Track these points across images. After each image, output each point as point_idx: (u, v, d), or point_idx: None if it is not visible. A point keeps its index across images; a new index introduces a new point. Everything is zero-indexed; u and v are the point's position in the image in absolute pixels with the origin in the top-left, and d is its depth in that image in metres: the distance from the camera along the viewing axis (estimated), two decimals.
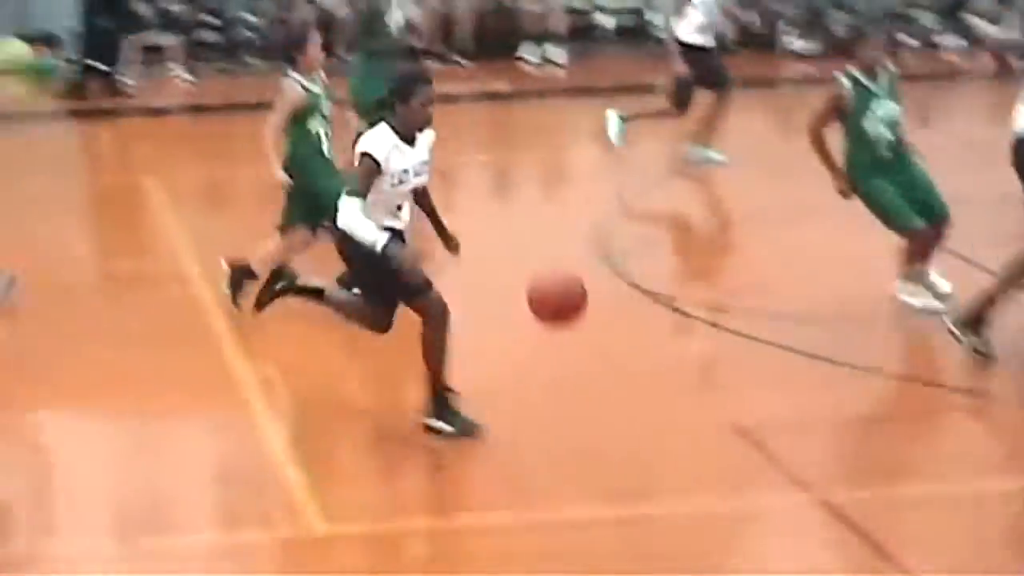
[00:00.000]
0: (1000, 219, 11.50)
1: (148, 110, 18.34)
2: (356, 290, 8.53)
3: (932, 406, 8.96)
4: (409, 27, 14.88)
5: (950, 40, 21.08)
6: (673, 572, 6.64)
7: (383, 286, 8.00)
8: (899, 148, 9.99)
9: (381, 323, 8.25)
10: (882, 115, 9.91)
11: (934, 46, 20.99)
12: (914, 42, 20.70)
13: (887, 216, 9.97)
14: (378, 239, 7.77)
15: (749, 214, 13.06)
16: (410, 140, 7.94)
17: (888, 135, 9.93)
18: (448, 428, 8.09)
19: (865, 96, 9.91)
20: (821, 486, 7.58)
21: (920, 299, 10.06)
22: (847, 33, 16.71)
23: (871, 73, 9.93)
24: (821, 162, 10.09)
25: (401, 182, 7.93)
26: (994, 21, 20.83)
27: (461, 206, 13.29)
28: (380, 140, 7.86)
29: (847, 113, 9.92)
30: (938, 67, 20.25)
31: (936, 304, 9.97)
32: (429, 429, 8.12)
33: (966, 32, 21.01)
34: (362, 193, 7.79)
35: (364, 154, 7.84)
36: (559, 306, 7.75)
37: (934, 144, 11.85)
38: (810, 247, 11.64)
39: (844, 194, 10.09)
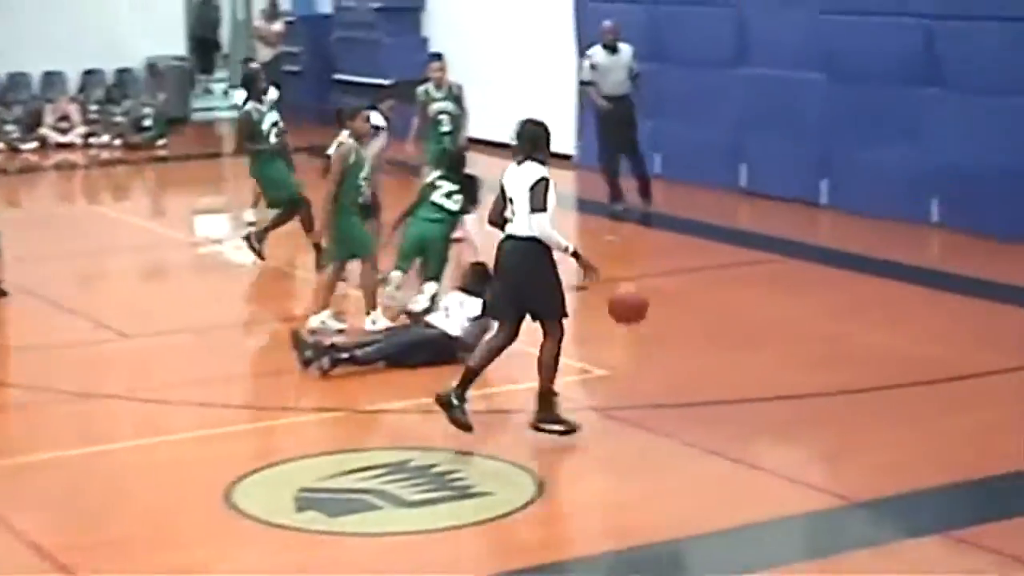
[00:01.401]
0: None
1: None
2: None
3: None
4: None
5: None
6: None
7: (536, 299, 9.72)
8: None
9: (509, 340, 9.84)
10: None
11: None
12: None
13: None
14: (568, 245, 9.74)
15: None
16: None
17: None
18: (559, 427, 9.77)
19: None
20: None
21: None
22: None
23: None
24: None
25: None
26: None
27: None
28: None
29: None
30: None
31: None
32: (542, 430, 9.76)
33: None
34: (546, 209, 9.57)
35: (544, 179, 9.65)
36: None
37: None
38: None
39: None
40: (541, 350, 9.88)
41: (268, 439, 10.15)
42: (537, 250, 9.74)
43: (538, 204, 9.67)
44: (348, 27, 24.63)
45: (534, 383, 11.11)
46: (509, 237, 9.81)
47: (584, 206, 18.12)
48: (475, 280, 11.90)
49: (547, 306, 9.84)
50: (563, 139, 20.18)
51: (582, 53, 20.33)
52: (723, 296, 13.76)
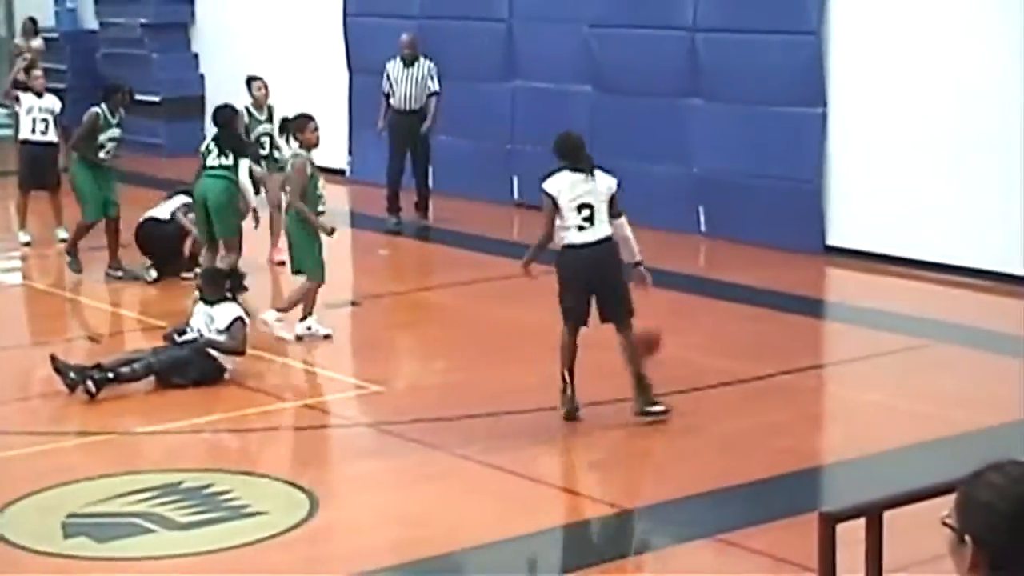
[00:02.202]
0: None
1: None
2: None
3: None
4: None
5: None
6: None
7: (625, 298, 10.23)
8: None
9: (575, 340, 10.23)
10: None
11: None
12: None
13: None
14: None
15: None
16: None
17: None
18: (660, 408, 10.21)
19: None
20: None
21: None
22: None
23: None
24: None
25: None
26: None
27: None
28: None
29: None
30: None
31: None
32: (649, 413, 10.13)
33: None
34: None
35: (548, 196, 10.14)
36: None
37: None
38: None
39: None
40: (625, 345, 10.28)
41: (34, 465, 9.88)
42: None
43: (620, 209, 10.26)
44: (115, 43, 24.20)
45: (312, 399, 11.08)
46: (598, 242, 10.16)
47: (358, 220, 18.06)
48: (212, 287, 11.69)
49: (630, 304, 10.30)
50: (336, 154, 20.13)
51: (351, 68, 20.32)
52: (497, 309, 13.81)
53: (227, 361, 11.39)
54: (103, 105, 14.98)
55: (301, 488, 9.23)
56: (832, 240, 15.76)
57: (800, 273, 15.04)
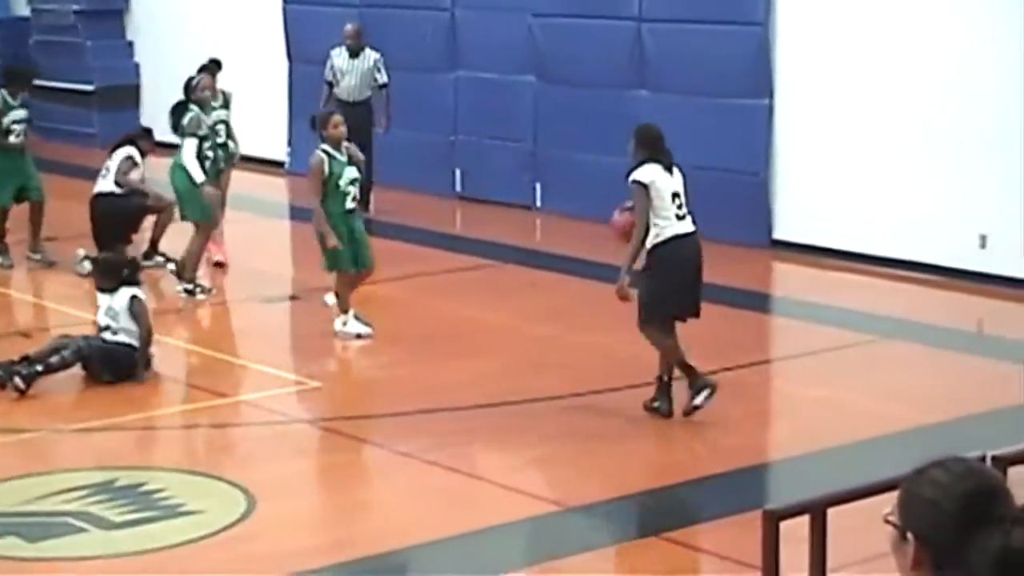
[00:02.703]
0: None
1: None
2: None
3: None
4: None
5: None
6: None
7: (698, 294, 10.40)
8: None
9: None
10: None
11: None
12: None
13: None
14: None
15: None
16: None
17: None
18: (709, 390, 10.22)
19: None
20: None
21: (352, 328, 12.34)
22: None
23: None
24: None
25: None
26: None
27: None
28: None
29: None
30: None
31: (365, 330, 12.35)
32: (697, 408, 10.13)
33: None
34: None
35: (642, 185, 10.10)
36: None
37: None
38: None
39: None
40: (657, 343, 10.36)
41: None
42: None
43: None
44: (47, 31, 24.02)
45: (249, 395, 11.06)
46: (695, 232, 10.40)
47: (296, 213, 18.00)
48: (108, 276, 11.54)
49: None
50: (276, 146, 20.08)
51: (291, 57, 20.25)
52: (439, 303, 13.81)
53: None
54: (3, 88, 14.92)
55: (238, 486, 9.20)
56: (779, 234, 15.84)
57: (747, 267, 15.09)
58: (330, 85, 17.57)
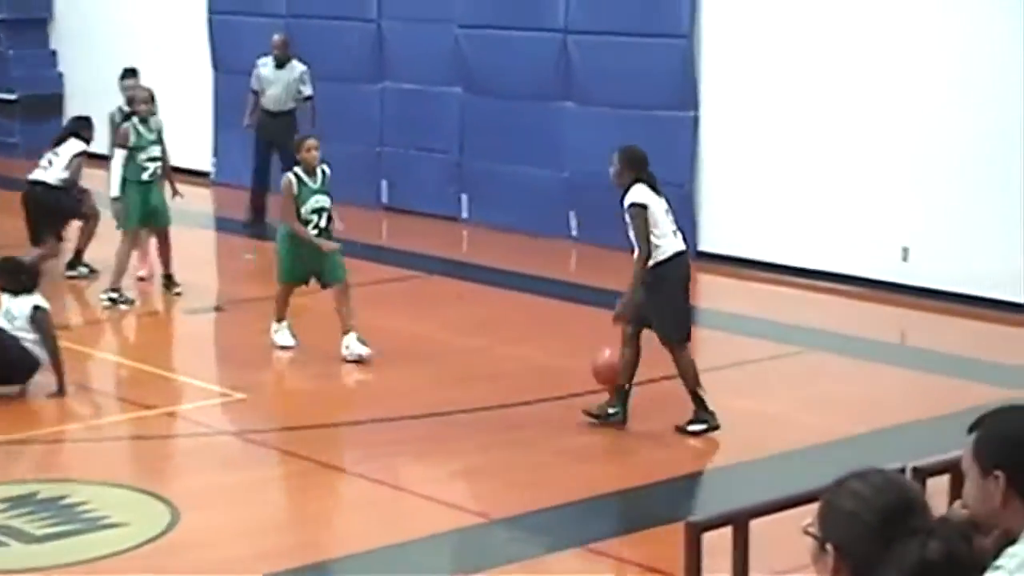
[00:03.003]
0: None
1: None
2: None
3: None
4: None
5: None
6: None
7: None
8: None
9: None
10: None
11: None
12: None
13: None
14: None
15: None
16: None
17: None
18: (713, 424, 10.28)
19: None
20: None
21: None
22: None
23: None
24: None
25: None
26: None
27: None
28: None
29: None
30: None
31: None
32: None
33: None
34: None
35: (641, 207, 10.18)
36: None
37: None
38: None
39: None
40: (637, 355, 10.44)
41: None
42: None
43: None
44: None
45: (174, 407, 11.00)
46: (686, 251, 10.57)
47: (222, 224, 17.94)
48: (10, 277, 11.40)
49: None
50: (201, 156, 19.98)
51: (216, 67, 20.17)
52: (365, 314, 13.74)
53: (40, 352, 11.11)
54: None
55: (162, 498, 9.15)
56: (704, 246, 15.91)
57: None
58: (256, 94, 17.53)
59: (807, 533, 3.39)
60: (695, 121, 15.92)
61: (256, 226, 17.56)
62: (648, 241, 10.25)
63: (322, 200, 12.21)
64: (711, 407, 10.37)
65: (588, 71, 16.67)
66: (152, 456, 10.29)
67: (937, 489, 5.50)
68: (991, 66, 13.80)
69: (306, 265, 12.25)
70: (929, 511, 3.32)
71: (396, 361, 12.16)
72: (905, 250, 14.38)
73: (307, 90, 17.50)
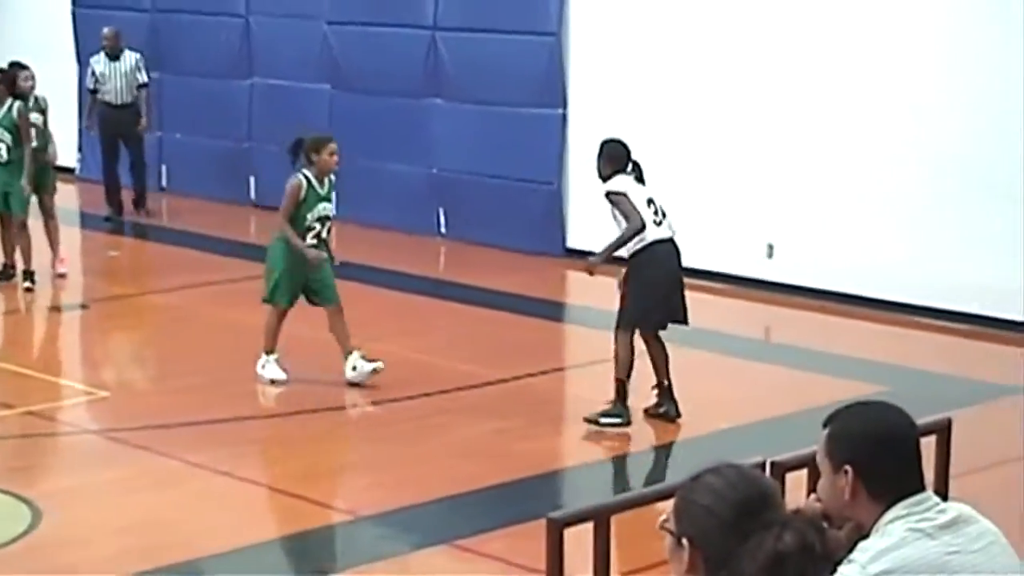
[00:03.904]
0: None
1: None
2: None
3: None
4: None
5: None
6: None
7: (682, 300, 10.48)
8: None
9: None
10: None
11: None
12: None
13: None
14: None
15: None
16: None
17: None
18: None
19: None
20: None
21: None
22: None
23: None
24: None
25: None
26: None
27: None
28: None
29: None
30: None
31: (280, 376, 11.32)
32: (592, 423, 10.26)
33: None
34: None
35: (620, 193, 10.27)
36: None
37: None
38: None
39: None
40: (662, 350, 10.49)
41: None
42: None
43: None
44: None
45: (36, 406, 10.86)
46: (671, 239, 10.46)
47: (86, 220, 17.75)
48: None
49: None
50: (65, 151, 19.70)
51: (81, 61, 19.94)
52: (230, 311, 13.69)
53: None
54: None
55: (22, 499, 9.03)
56: (573, 242, 15.99)
57: (541, 276, 15.24)
58: (93, 92, 17.55)
59: (663, 528, 3.43)
60: (563, 119, 16.00)
61: (118, 221, 17.48)
62: (637, 214, 10.34)
63: (327, 208, 11.41)
64: (675, 399, 10.48)
65: (457, 68, 16.69)
66: (12, 456, 10.15)
67: (796, 484, 5.59)
68: (857, 59, 14.00)
69: (299, 281, 11.37)
70: (783, 504, 3.38)
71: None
72: (770, 247, 14.56)
73: (142, 77, 17.54)
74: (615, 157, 10.65)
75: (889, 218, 13.90)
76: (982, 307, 13.24)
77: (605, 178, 10.60)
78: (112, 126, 17.46)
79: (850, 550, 4.08)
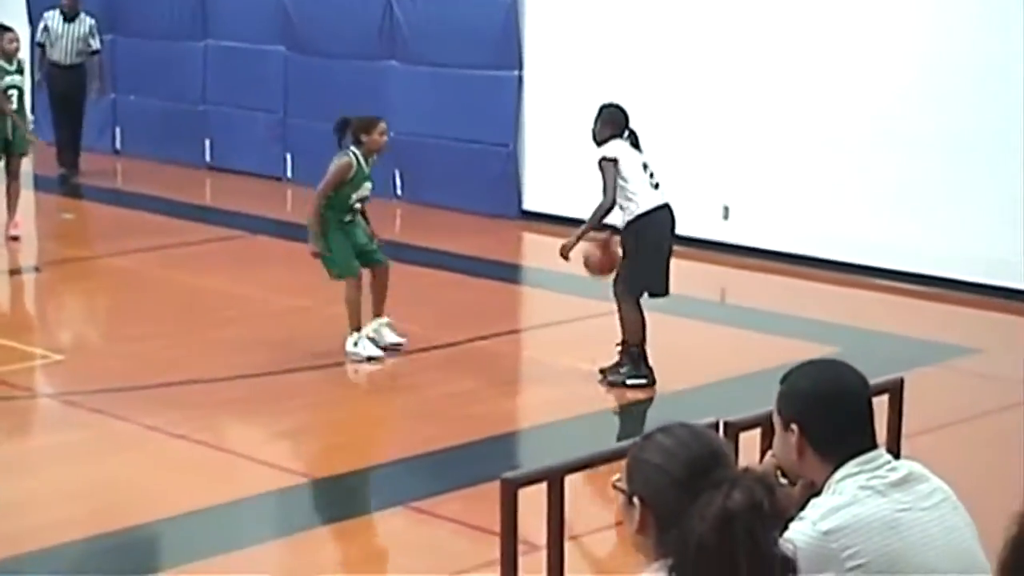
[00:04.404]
0: None
1: None
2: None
3: None
4: None
5: None
6: None
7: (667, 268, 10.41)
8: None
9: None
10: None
11: None
12: None
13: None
14: None
15: None
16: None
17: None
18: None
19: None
20: None
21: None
22: None
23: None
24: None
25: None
26: None
27: None
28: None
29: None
30: None
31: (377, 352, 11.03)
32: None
33: None
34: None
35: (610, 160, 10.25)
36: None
37: None
38: None
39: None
40: (629, 317, 10.41)
41: None
42: None
43: None
44: None
45: None
46: (667, 205, 10.44)
47: (41, 183, 17.65)
48: None
49: None
50: None
51: (32, 22, 19.80)
52: (187, 275, 13.66)
53: None
54: None
55: None
56: (529, 205, 16.00)
57: (497, 238, 15.24)
58: (42, 47, 17.50)
59: (615, 488, 3.45)
60: (519, 81, 15.98)
61: (70, 183, 17.42)
62: (613, 191, 10.34)
63: (369, 187, 11.24)
64: (650, 364, 10.49)
65: (413, 30, 16.64)
66: None
67: (750, 444, 5.61)
68: (807, 25, 14.02)
69: (354, 244, 11.25)
70: (733, 462, 3.40)
71: (218, 322, 12.08)
72: (726, 208, 14.60)
73: (95, 44, 17.52)
74: (612, 122, 10.65)
75: (843, 179, 13.95)
76: (936, 268, 13.31)
77: (600, 142, 10.52)
78: (58, 85, 17.49)
79: (803, 507, 4.11)
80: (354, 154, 11.09)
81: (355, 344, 11.06)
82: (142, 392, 10.34)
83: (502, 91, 16.04)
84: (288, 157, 17.82)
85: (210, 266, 14.04)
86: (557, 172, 15.80)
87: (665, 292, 10.58)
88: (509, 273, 14.38)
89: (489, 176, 16.15)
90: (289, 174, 17.80)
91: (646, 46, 15.04)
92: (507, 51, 15.96)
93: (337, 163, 11.08)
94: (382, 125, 11.18)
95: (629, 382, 10.41)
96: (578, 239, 10.47)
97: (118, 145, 19.17)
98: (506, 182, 16.12)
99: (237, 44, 18.23)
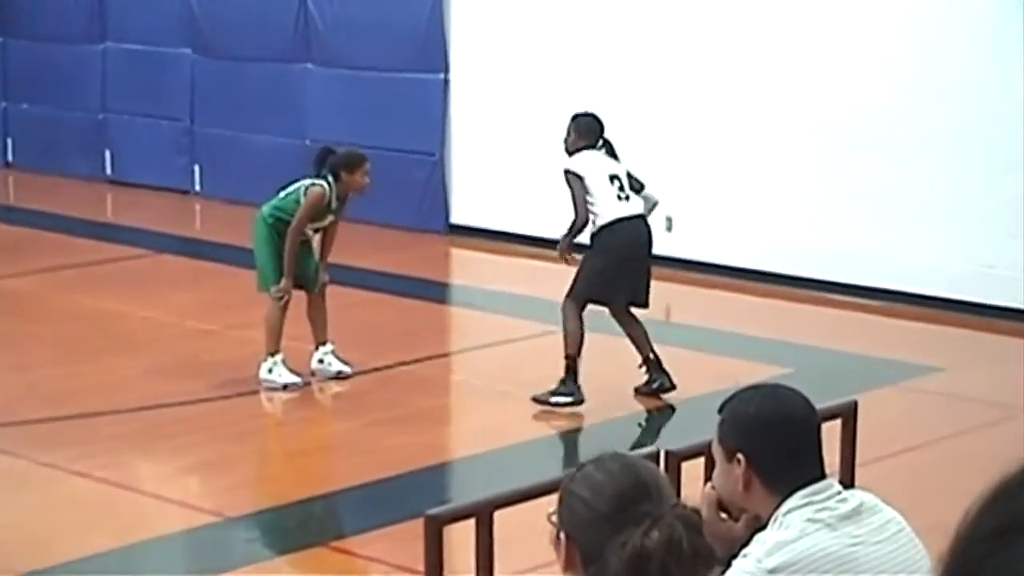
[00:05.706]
0: None
1: None
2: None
3: None
4: None
5: None
6: None
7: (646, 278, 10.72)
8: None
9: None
10: None
11: None
12: None
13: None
14: None
15: None
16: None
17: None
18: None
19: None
20: None
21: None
22: None
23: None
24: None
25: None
26: None
27: None
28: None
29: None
30: None
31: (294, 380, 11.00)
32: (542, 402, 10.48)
33: None
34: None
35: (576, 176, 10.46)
36: None
37: None
38: None
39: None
40: (637, 324, 10.76)
41: None
42: None
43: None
44: None
45: None
46: (641, 216, 10.70)
47: None
48: None
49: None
50: None
51: None
52: (86, 297, 13.58)
53: None
54: None
55: None
56: (457, 218, 16.01)
57: (423, 254, 15.24)
58: None
59: (550, 521, 3.47)
60: (445, 84, 15.99)
61: None
62: (583, 207, 10.53)
63: (329, 219, 11.31)
64: (666, 369, 10.67)
65: (330, 30, 16.63)
66: None
67: (693, 474, 5.63)
68: (748, 26, 14.11)
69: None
70: (664, 496, 3.40)
71: (121, 348, 12.01)
72: (669, 220, 14.64)
73: None
74: (586, 132, 10.81)
75: (794, 188, 14.03)
76: (895, 282, 13.41)
77: (571, 153, 10.72)
78: None
79: (746, 543, 4.12)
80: (328, 186, 11.05)
81: (270, 371, 11.01)
82: (35, 426, 10.28)
83: (427, 95, 16.05)
84: (196, 169, 17.77)
85: (111, 288, 13.96)
86: (487, 183, 15.82)
87: (639, 304, 10.81)
88: (436, 292, 14.38)
89: (414, 187, 16.14)
90: (197, 187, 17.75)
91: (581, 47, 15.08)
92: (432, 52, 15.98)
93: (310, 195, 11.03)
94: (367, 166, 11.16)
95: (553, 400, 10.43)
96: (569, 243, 10.82)
97: (9, 157, 19.05)
98: (432, 194, 16.13)
99: (139, 47, 18.16)
